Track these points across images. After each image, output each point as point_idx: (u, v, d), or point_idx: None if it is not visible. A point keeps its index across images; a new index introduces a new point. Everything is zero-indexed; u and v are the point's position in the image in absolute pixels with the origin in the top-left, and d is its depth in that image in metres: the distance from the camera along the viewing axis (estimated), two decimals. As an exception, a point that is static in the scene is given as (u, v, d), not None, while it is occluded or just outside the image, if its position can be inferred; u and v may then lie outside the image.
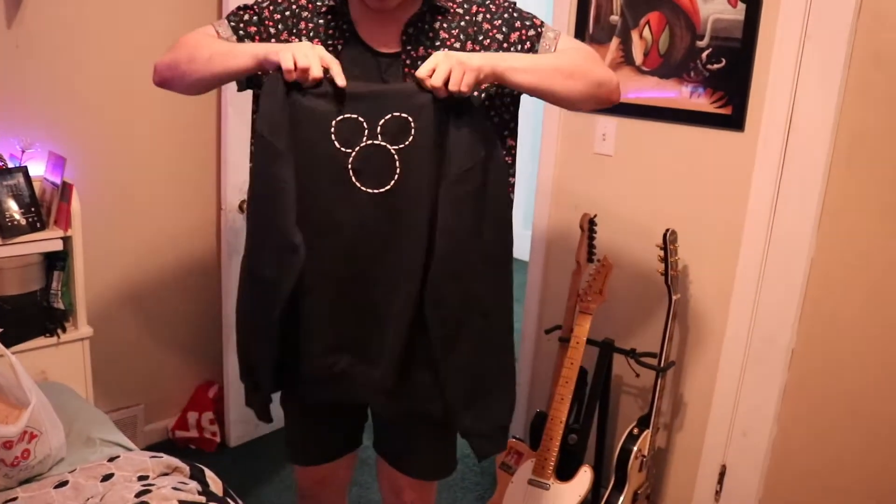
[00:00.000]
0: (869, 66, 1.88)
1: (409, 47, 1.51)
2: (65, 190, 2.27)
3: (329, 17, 1.54)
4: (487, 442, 1.59)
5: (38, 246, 2.22)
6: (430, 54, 1.44)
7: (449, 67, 1.35)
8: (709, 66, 2.11)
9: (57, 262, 2.30)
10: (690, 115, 2.18)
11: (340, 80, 1.39)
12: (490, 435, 1.59)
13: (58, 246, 2.25)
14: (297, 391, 1.62)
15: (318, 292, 1.49)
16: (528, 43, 1.54)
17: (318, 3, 1.55)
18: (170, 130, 2.67)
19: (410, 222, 1.44)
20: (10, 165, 2.26)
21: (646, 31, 2.22)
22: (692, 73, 2.15)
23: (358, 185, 1.43)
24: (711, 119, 2.14)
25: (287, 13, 1.56)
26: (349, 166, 1.43)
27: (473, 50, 1.51)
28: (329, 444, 1.80)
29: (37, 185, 2.29)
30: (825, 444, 2.08)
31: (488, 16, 1.54)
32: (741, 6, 2.03)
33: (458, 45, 1.51)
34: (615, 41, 2.30)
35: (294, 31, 1.55)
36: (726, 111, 2.10)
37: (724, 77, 2.09)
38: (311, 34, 1.54)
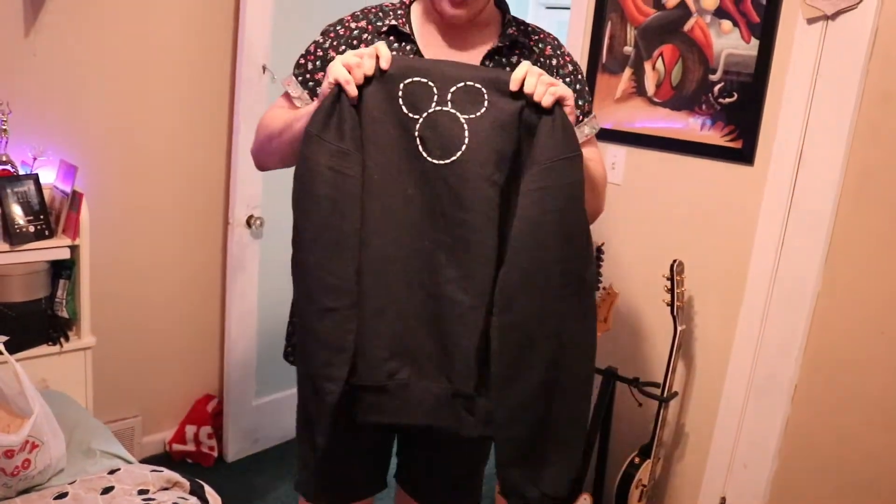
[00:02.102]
0: (879, 105, 1.89)
1: None
2: (74, 199, 2.27)
3: (391, 37, 1.47)
4: None
5: (45, 254, 2.22)
6: None
7: (536, 80, 1.29)
8: (720, 100, 2.13)
9: (63, 270, 2.30)
10: (700, 148, 2.19)
11: (385, 63, 1.32)
12: (536, 502, 1.38)
13: (65, 255, 2.25)
14: (348, 412, 1.40)
15: (378, 285, 1.35)
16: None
17: (379, 24, 1.48)
18: (182, 143, 2.68)
19: (478, 200, 1.32)
20: (22, 172, 2.26)
21: (659, 63, 2.24)
22: (704, 106, 2.17)
23: (424, 154, 1.33)
24: (721, 152, 2.15)
25: (349, 41, 1.48)
26: (416, 133, 1.33)
27: None
28: (357, 483, 1.67)
29: (47, 193, 2.30)
30: (825, 479, 2.08)
31: (557, 62, 1.51)
32: (754, 42, 2.05)
33: None
34: (628, 72, 2.32)
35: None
36: (737, 145, 2.12)
37: (736, 111, 2.11)
38: None
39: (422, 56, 1.46)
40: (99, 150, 2.50)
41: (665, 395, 2.17)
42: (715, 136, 2.16)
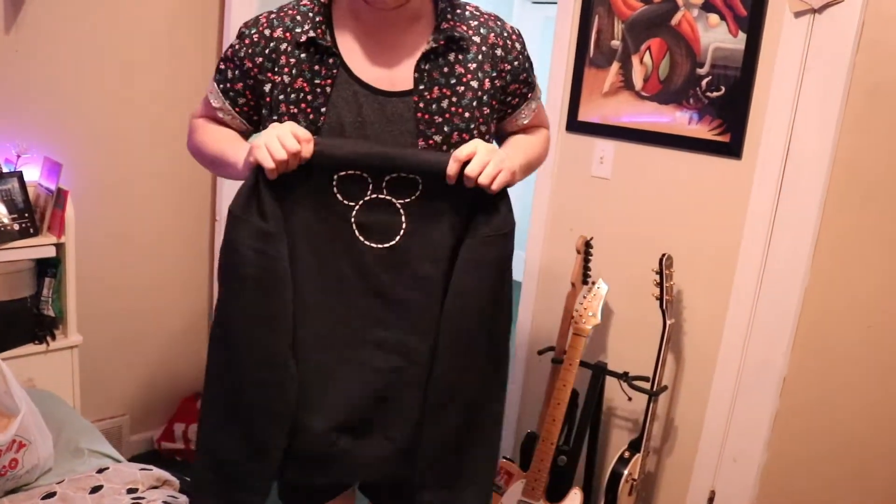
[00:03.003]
0: (866, 98, 1.90)
1: (422, 86, 1.37)
2: (59, 196, 2.25)
3: (311, 49, 1.36)
4: None
5: (30, 252, 2.20)
6: (444, 95, 1.36)
7: (488, 161, 1.30)
8: (708, 94, 2.13)
9: (49, 268, 2.28)
10: (688, 142, 2.19)
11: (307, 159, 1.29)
12: None
13: (50, 252, 2.23)
14: (286, 474, 1.44)
15: (317, 358, 1.37)
16: (515, 99, 1.50)
17: (297, 31, 1.36)
18: (167, 139, 2.66)
19: (422, 281, 1.36)
20: (5, 170, 2.24)
21: (646, 57, 2.24)
22: (691, 100, 2.17)
23: (361, 238, 1.35)
24: (709, 146, 2.15)
25: (266, 51, 1.38)
26: (352, 219, 1.35)
27: (494, 85, 1.42)
28: (325, 486, 1.62)
29: (31, 191, 2.28)
30: (815, 471, 2.09)
31: (502, 53, 1.43)
32: (742, 35, 2.05)
33: (475, 83, 1.39)
34: (615, 66, 2.32)
35: (276, 69, 1.37)
36: (724, 139, 2.12)
37: (723, 105, 2.11)
38: (294, 71, 1.35)
39: (347, 70, 1.36)
40: (84, 147, 2.48)
41: (654, 389, 2.18)
42: (703, 130, 2.16)
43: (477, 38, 1.40)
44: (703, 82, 2.14)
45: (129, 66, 2.52)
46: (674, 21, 2.17)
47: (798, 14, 1.96)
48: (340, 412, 1.39)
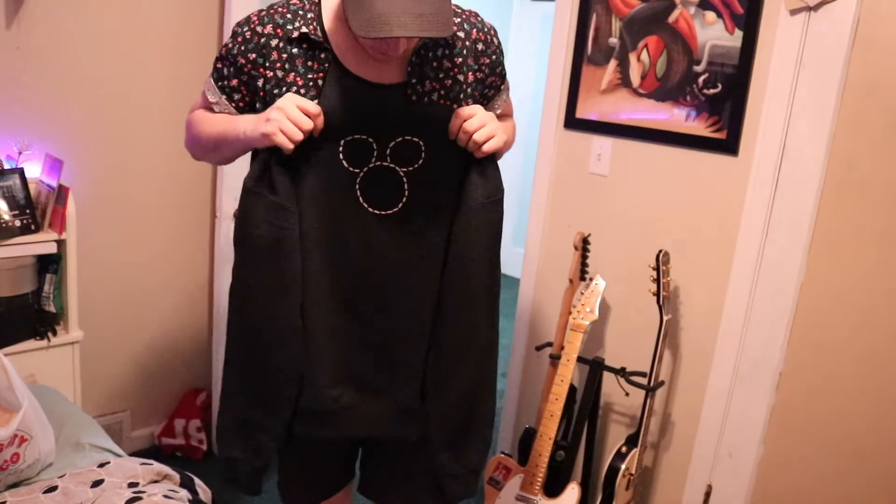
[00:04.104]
0: (862, 94, 1.91)
1: (414, 79, 1.42)
2: (61, 193, 2.26)
3: (304, 45, 1.39)
4: (459, 484, 1.61)
5: (31, 248, 2.22)
6: (434, 88, 1.43)
7: (485, 123, 1.39)
8: (705, 91, 2.15)
9: (50, 264, 2.30)
10: (685, 139, 2.21)
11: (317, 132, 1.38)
12: (463, 477, 1.61)
13: (51, 249, 2.25)
14: (294, 427, 1.54)
15: (324, 319, 1.46)
16: (491, 91, 1.57)
17: (289, 28, 1.39)
18: (168, 136, 2.67)
19: (423, 246, 1.46)
20: (7, 167, 2.25)
21: (643, 55, 2.25)
22: (688, 97, 2.18)
23: (365, 205, 1.42)
24: (706, 143, 2.17)
25: (258, 48, 1.40)
26: (357, 186, 1.42)
27: (476, 78, 1.50)
28: (325, 482, 1.75)
29: (33, 188, 2.29)
30: (810, 466, 2.10)
31: (483, 47, 1.51)
32: (738, 33, 2.06)
33: (461, 76, 1.46)
34: (613, 63, 2.33)
35: (267, 64, 1.40)
36: (721, 135, 2.13)
37: (720, 102, 2.12)
38: (287, 66, 1.38)
39: (339, 65, 1.39)
40: (85, 144, 2.50)
41: (651, 384, 2.19)
42: (699, 127, 2.17)
43: (461, 34, 1.47)
44: (700, 79, 2.15)
45: (130, 61, 2.53)
46: (671, 19, 2.18)
47: (794, 11, 1.97)
48: (344, 370, 1.49)
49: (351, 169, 1.41)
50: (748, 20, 2.04)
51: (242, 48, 1.42)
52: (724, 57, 2.10)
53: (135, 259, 2.71)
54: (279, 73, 1.39)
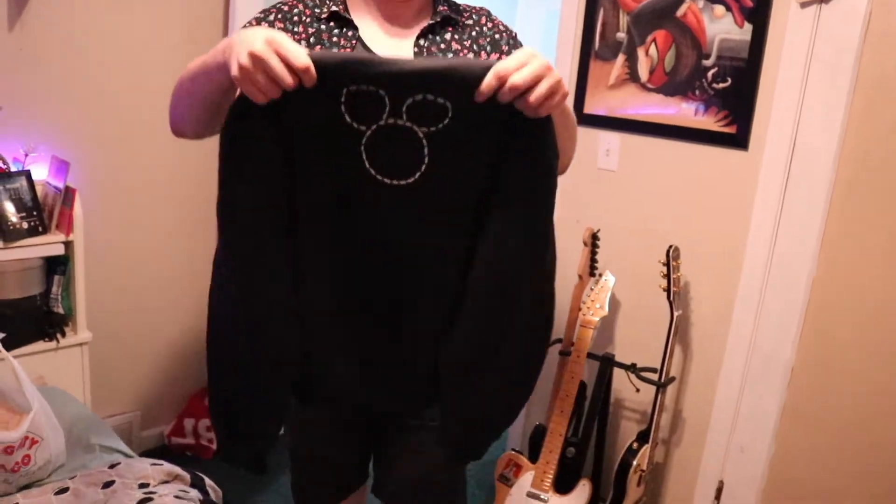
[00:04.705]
0: (875, 87, 1.90)
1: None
2: (67, 194, 2.26)
3: (331, 23, 1.37)
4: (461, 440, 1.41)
5: (39, 250, 2.21)
6: None
7: (541, 75, 1.06)
8: (714, 85, 2.13)
9: (58, 266, 2.30)
10: (695, 133, 2.19)
11: (309, 81, 1.06)
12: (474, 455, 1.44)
13: (59, 250, 2.24)
14: (307, 410, 1.46)
15: (324, 315, 1.29)
16: None
17: (318, 11, 1.37)
18: (173, 137, 2.66)
19: (445, 225, 1.19)
20: (13, 169, 2.25)
21: (652, 49, 2.24)
22: (697, 92, 2.17)
23: (372, 171, 1.15)
24: (716, 137, 2.15)
25: (288, 19, 1.37)
26: (362, 148, 1.13)
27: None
28: (338, 482, 1.68)
29: (39, 189, 2.29)
30: (823, 461, 2.09)
31: (491, 26, 1.47)
32: (748, 26, 2.05)
33: (471, 55, 1.43)
34: (621, 58, 2.31)
35: (295, 32, 1.35)
36: (731, 130, 2.12)
37: (730, 96, 2.11)
38: (313, 40, 1.35)
39: (364, 43, 1.34)
40: (91, 145, 2.49)
41: (662, 380, 2.18)
42: (709, 122, 2.16)
43: (469, 22, 1.45)
44: (709, 74, 2.14)
45: (135, 61, 2.52)
46: (679, 12, 2.17)
47: (804, 4, 1.95)
48: (350, 344, 1.32)
49: (356, 126, 1.12)
50: (758, 13, 2.03)
51: (271, 17, 1.37)
52: (733, 51, 2.08)
53: (142, 260, 2.70)
54: (304, 45, 1.32)
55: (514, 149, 1.14)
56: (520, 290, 1.25)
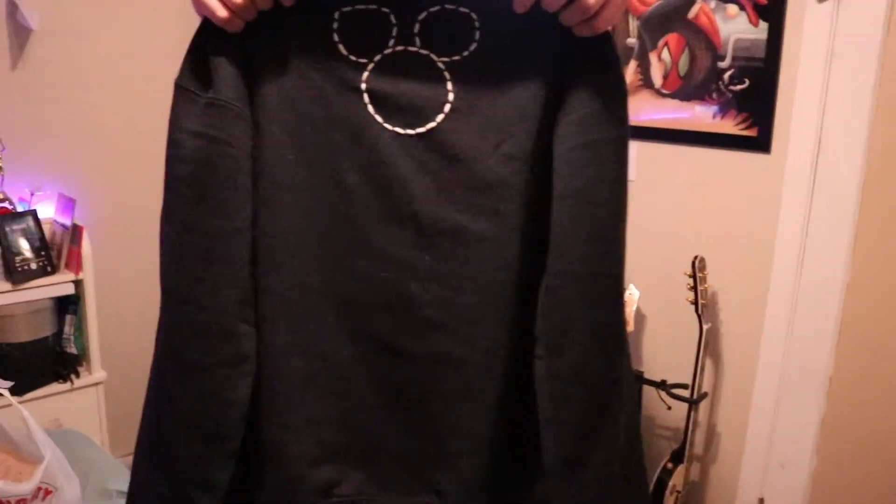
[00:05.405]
0: (900, 82, 1.82)
1: None
2: (75, 232, 2.23)
3: None
4: None
5: (49, 290, 2.18)
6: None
7: None
8: (731, 87, 2.06)
9: (69, 305, 2.26)
10: (714, 138, 2.12)
11: None
12: None
13: (69, 290, 2.21)
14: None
15: (299, 327, 0.86)
16: None
17: None
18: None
19: (480, 187, 0.83)
20: (20, 209, 2.22)
21: (664, 53, 2.17)
22: (714, 95, 2.09)
23: (378, 118, 0.83)
24: (736, 141, 2.08)
25: None
26: (362, 87, 0.83)
27: None
28: None
29: (47, 228, 2.26)
30: (870, 476, 2.00)
31: None
32: (763, 25, 1.97)
33: None
34: (633, 64, 2.25)
35: None
36: (752, 133, 2.04)
37: (749, 98, 2.03)
38: None
39: None
40: (97, 181, 2.46)
41: (694, 396, 2.10)
42: (728, 125, 2.08)
43: None
44: (726, 75, 2.06)
45: (136, 96, 2.50)
46: (691, 14, 2.10)
47: (822, -1, 1.88)
48: (337, 428, 0.86)
49: (352, 58, 0.82)
50: (772, 11, 1.95)
51: None
52: (749, 51, 2.01)
53: (153, 294, 2.66)
54: None
55: (574, 81, 0.82)
56: (619, 289, 0.89)
